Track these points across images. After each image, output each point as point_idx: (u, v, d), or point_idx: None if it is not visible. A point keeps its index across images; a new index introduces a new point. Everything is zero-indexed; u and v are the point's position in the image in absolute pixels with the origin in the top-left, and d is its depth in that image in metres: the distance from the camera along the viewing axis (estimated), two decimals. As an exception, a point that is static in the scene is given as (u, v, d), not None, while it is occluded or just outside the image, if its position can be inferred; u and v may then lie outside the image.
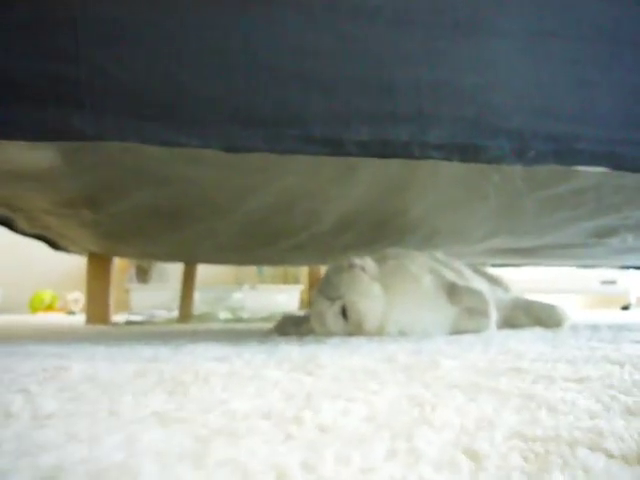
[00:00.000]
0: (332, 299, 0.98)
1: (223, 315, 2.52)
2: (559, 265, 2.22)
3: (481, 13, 0.68)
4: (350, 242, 1.36)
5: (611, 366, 0.50)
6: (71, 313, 3.44)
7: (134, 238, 1.42)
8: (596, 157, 0.71)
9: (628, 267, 2.30)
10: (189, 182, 0.95)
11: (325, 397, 0.36)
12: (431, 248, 1.37)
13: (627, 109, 0.72)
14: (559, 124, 0.70)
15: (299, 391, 0.38)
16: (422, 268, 1.08)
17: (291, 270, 3.90)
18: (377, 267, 1.03)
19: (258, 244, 1.46)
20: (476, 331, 1.03)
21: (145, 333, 1.19)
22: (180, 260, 2.14)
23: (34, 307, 3.64)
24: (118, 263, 3.57)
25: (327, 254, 1.55)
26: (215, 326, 1.61)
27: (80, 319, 2.02)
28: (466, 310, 1.05)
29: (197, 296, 3.08)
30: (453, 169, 0.88)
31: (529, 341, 0.81)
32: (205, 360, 0.60)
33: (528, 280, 3.00)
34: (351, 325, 0.97)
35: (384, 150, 0.66)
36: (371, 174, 0.92)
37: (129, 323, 1.94)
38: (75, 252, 1.76)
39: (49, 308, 3.70)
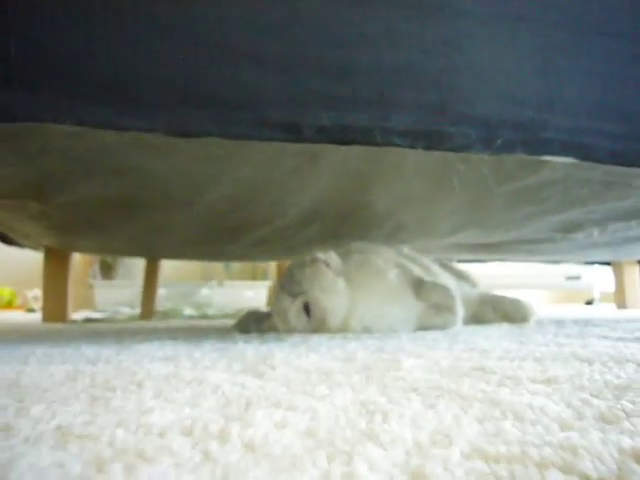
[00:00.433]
0: (295, 295, 0.94)
1: (188, 312, 2.47)
2: (525, 260, 2.22)
3: (447, -7, 0.64)
4: (314, 236, 1.32)
5: (580, 364, 0.47)
6: (31, 310, 3.34)
7: (87, 231, 1.35)
8: (565, 147, 0.68)
9: (593, 262, 2.31)
10: (142, 172, 0.90)
11: (264, 405, 0.32)
12: (397, 242, 1.35)
13: (596, 98, 0.70)
14: (527, 112, 0.67)
15: (238, 397, 0.34)
16: (388, 263, 1.05)
17: (260, 266, 3.87)
18: (342, 262, 1.00)
19: (220, 239, 1.42)
20: (442, 327, 1.00)
21: (99, 331, 1.14)
22: (140, 255, 2.07)
23: (-7, 304, 3.53)
24: (81, 259, 3.51)
25: (292, 249, 1.51)
26: (177, 323, 1.56)
27: (39, 317, 1.95)
28: (432, 306, 1.02)
29: (163, 292, 3.03)
30: (419, 160, 0.85)
31: (495, 338, 0.78)
32: (150, 361, 0.56)
33: (493, 275, 3.02)
34: (314, 322, 0.94)
35: (344, 136, 0.62)
36: (334, 165, 0.88)
37: (88, 321, 1.88)
38: (29, 247, 1.68)
39: (8, 305, 3.60)
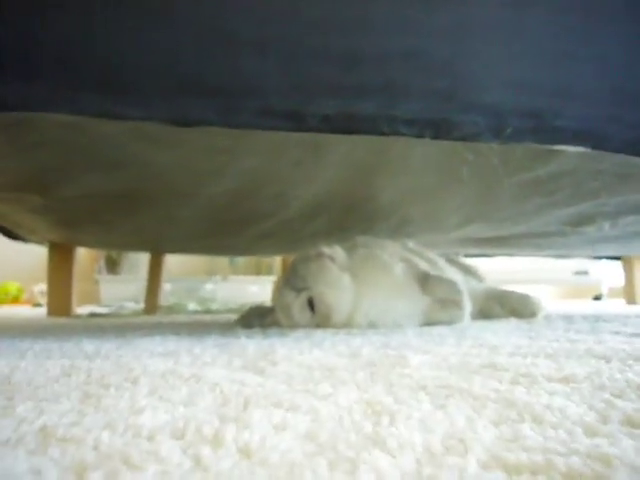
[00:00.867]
0: (299, 290, 0.93)
1: (192, 306, 2.46)
2: (533, 255, 2.19)
3: (455, -23, 0.62)
4: (319, 229, 1.30)
5: (596, 362, 0.45)
6: (37, 305, 3.33)
7: (90, 226, 1.34)
8: (577, 136, 0.66)
9: (601, 257, 2.29)
10: (144, 164, 0.88)
11: (263, 404, 0.30)
12: (403, 237, 1.33)
13: (610, 85, 0.67)
14: (538, 99, 0.65)
15: (236, 396, 0.32)
16: (394, 257, 1.03)
17: (264, 261, 3.86)
18: (347, 256, 0.98)
19: (223, 232, 1.40)
20: (449, 322, 0.99)
21: (102, 326, 1.12)
22: (144, 250, 2.06)
23: (-1, 299, 3.53)
24: (86, 254, 3.51)
25: (296, 242, 1.49)
26: (180, 318, 1.55)
27: (45, 312, 1.94)
28: (439, 301, 1.00)
29: (167, 287, 3.02)
30: (426, 151, 0.83)
31: (504, 333, 0.76)
32: (149, 356, 0.54)
33: (500, 270, 2.99)
34: (318, 317, 0.92)
35: (350, 125, 0.60)
36: (339, 156, 0.86)
37: (93, 315, 1.87)
38: (34, 242, 1.67)
39: (15, 300, 3.59)
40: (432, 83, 0.62)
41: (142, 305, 2.22)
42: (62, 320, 1.50)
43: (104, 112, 0.55)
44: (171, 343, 0.68)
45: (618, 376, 0.38)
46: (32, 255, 3.01)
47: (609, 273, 3.28)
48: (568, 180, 0.94)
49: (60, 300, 1.74)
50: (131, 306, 2.67)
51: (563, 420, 0.26)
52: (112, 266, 3.63)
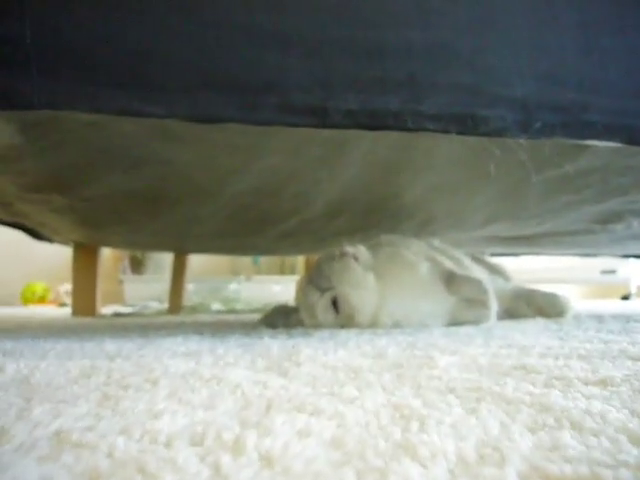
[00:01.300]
0: (323, 290, 0.92)
1: (216, 306, 2.46)
2: (560, 254, 2.15)
3: (481, -32, 0.61)
4: (342, 228, 1.29)
5: (632, 363, 0.43)
6: (63, 305, 3.37)
7: (114, 226, 1.34)
8: (608, 130, 0.64)
9: (629, 256, 2.24)
10: (166, 163, 0.88)
11: (286, 408, 0.29)
12: (428, 235, 1.31)
13: (642, 77, 0.65)
14: (567, 93, 0.63)
15: (258, 399, 0.31)
16: (418, 256, 1.02)
17: (288, 260, 3.86)
18: (371, 255, 0.97)
19: (246, 231, 1.39)
20: (475, 322, 0.97)
21: (126, 326, 1.12)
22: (168, 250, 2.07)
23: (26, 299, 3.58)
24: (111, 254, 3.54)
25: (319, 242, 1.48)
26: (203, 318, 1.55)
27: (70, 312, 1.95)
28: (465, 300, 0.98)
29: (191, 287, 3.03)
30: (451, 147, 0.81)
31: (533, 333, 0.74)
32: (171, 356, 0.53)
33: (525, 270, 2.95)
34: (342, 318, 0.91)
35: (373, 121, 0.59)
36: (362, 153, 0.85)
37: (117, 315, 1.88)
38: (59, 242, 1.69)
39: (41, 300, 3.63)
40: (457, 77, 0.60)
41: (166, 305, 2.23)
42: (86, 320, 1.51)
43: (126, 109, 0.54)
44: (193, 343, 0.67)
45: (658, 379, 0.36)
46: (58, 255, 3.05)
47: (638, 272, 3.21)
48: (597, 176, 0.92)
49: (85, 300, 1.75)
50: (155, 306, 2.69)
51: (605, 427, 0.25)
52: (136, 266, 3.66)
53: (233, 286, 3.38)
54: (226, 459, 0.20)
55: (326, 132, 0.72)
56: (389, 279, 0.94)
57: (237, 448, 0.22)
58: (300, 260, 3.70)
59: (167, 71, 0.55)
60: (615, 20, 0.65)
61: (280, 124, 0.58)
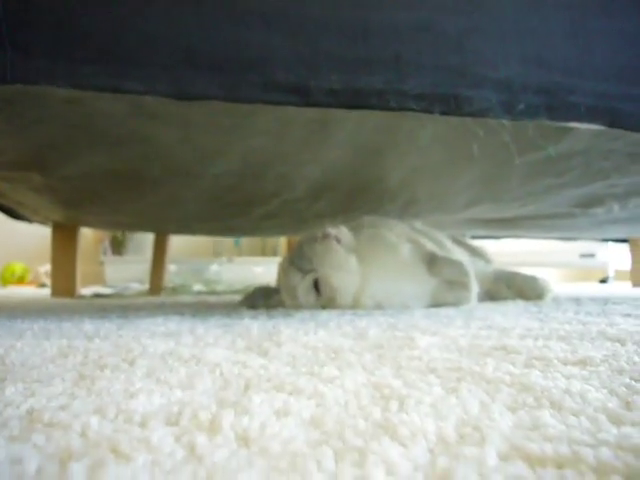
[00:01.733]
0: (304, 272, 0.91)
1: (197, 288, 2.45)
2: (541, 237, 2.17)
3: (467, -54, 0.60)
4: (325, 210, 1.28)
5: (611, 344, 0.44)
6: (43, 285, 3.34)
7: (93, 205, 1.32)
8: (592, 112, 0.64)
9: (608, 240, 2.26)
10: (147, 143, 0.86)
11: (265, 388, 0.29)
12: (410, 217, 1.31)
13: (628, 60, 0.65)
14: (551, 75, 0.63)
15: (237, 379, 0.31)
16: (400, 237, 1.01)
17: (269, 242, 3.85)
18: (353, 236, 0.97)
19: (229, 213, 1.38)
20: (456, 304, 0.97)
21: (105, 307, 1.11)
22: (149, 230, 2.05)
23: (5, 280, 3.54)
24: (91, 235, 3.50)
25: (302, 223, 1.47)
26: (184, 299, 1.54)
27: (49, 292, 1.94)
28: (446, 282, 0.99)
29: (173, 268, 3.02)
30: (435, 129, 0.81)
31: (513, 315, 0.74)
32: (149, 337, 0.53)
33: (506, 253, 2.97)
34: (324, 299, 0.91)
35: (357, 99, 0.58)
36: (346, 135, 0.84)
37: (96, 296, 1.86)
38: (38, 222, 1.66)
39: (20, 281, 3.60)
40: (442, 57, 0.60)
41: (147, 286, 2.21)
42: (65, 301, 1.50)
43: (104, 85, 0.53)
44: (173, 324, 0.67)
45: (636, 359, 0.36)
46: (38, 235, 3.01)
47: (616, 256, 3.25)
48: (579, 160, 0.92)
49: (64, 281, 1.73)
50: (136, 287, 2.67)
51: (585, 406, 0.25)
52: (117, 247, 3.63)
53: (214, 267, 3.37)
54: (201, 439, 0.20)
55: (310, 113, 0.71)
56: (371, 261, 0.94)
57: (213, 428, 0.22)
58: (282, 241, 3.70)
59: (147, 47, 0.54)
60: (601, 3, 0.65)
61: (263, 102, 0.57)
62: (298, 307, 0.91)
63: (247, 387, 0.29)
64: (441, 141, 0.87)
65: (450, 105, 0.60)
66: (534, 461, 0.18)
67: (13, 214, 1.50)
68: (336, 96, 0.58)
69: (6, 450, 0.19)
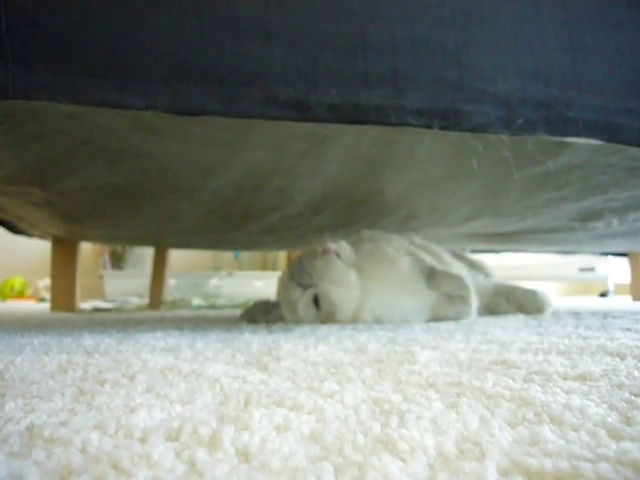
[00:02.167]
0: (304, 287, 0.92)
1: (196, 302, 2.45)
2: (540, 251, 2.17)
3: (465, -37, 0.60)
4: (324, 224, 1.28)
5: (611, 359, 0.44)
6: (42, 300, 3.33)
7: (93, 220, 1.32)
8: (590, 127, 0.64)
9: (608, 253, 2.26)
10: (146, 157, 0.86)
11: (265, 403, 0.29)
12: (410, 231, 1.31)
13: (626, 75, 0.66)
14: (550, 89, 0.63)
15: (237, 394, 0.31)
16: (399, 251, 1.02)
17: (269, 256, 3.85)
18: (353, 251, 0.97)
19: (227, 226, 1.38)
20: (456, 318, 0.97)
21: (105, 321, 1.11)
22: (148, 244, 2.05)
23: (4, 294, 3.53)
24: (91, 249, 3.50)
25: (301, 237, 1.47)
26: (184, 313, 1.54)
27: (48, 307, 1.93)
28: (445, 296, 0.99)
29: (172, 282, 3.02)
30: (434, 143, 0.81)
31: (513, 329, 0.74)
32: (149, 351, 0.53)
33: (506, 267, 2.98)
34: (323, 314, 0.91)
35: (356, 115, 0.58)
36: (344, 149, 0.84)
37: (96, 310, 1.86)
38: (37, 236, 1.66)
39: (20, 295, 3.59)
40: (441, 72, 0.60)
41: (146, 300, 2.21)
42: (65, 315, 1.49)
43: (105, 100, 0.53)
44: (173, 338, 0.66)
45: (636, 374, 0.36)
46: (37, 250, 3.02)
47: (615, 270, 3.25)
48: (578, 174, 0.92)
49: (64, 295, 1.73)
50: (135, 301, 2.67)
51: (584, 421, 0.24)
52: (117, 261, 3.63)
53: (214, 281, 3.37)
54: (202, 454, 0.20)
55: (308, 127, 0.71)
56: (370, 275, 0.94)
57: (214, 443, 0.22)
58: (282, 256, 3.70)
59: (147, 62, 0.54)
60: (598, 17, 0.66)
61: (262, 117, 0.58)
62: (298, 322, 0.91)
63: (247, 402, 0.29)
64: (440, 155, 0.87)
65: (449, 120, 0.60)
66: (534, 476, 0.18)
67: (12, 228, 1.50)
68: (335, 111, 0.58)
69: (6, 466, 0.18)
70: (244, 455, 0.20)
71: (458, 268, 1.13)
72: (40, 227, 1.49)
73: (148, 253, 2.91)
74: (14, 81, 0.51)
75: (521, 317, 1.04)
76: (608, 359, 0.44)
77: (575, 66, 0.64)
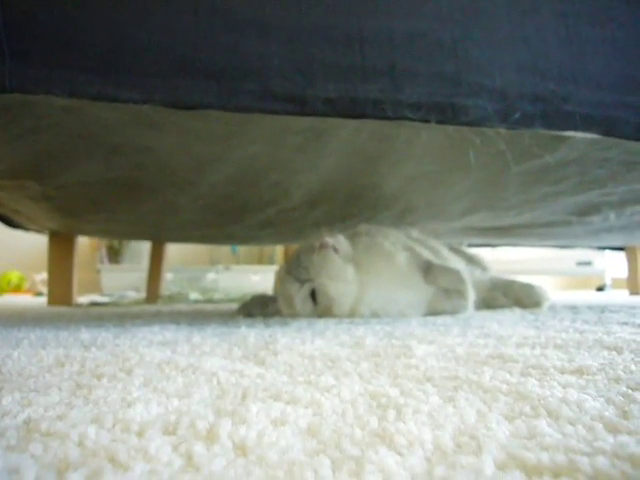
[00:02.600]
0: (302, 281, 0.92)
1: (194, 296, 2.45)
2: (537, 245, 2.17)
3: (463, -44, 0.60)
4: (321, 219, 1.28)
5: (608, 353, 0.44)
6: (39, 294, 3.33)
7: (90, 214, 1.32)
8: (587, 121, 0.64)
9: (605, 248, 2.27)
10: (143, 151, 0.86)
11: (262, 397, 0.29)
12: (407, 225, 1.31)
13: (623, 69, 0.65)
14: (546, 83, 0.63)
15: (234, 388, 0.31)
16: (396, 245, 1.02)
17: (266, 250, 3.85)
18: (350, 245, 0.97)
19: (224, 220, 1.38)
20: (453, 312, 0.97)
21: (102, 315, 1.11)
22: (145, 238, 2.05)
23: (1, 288, 3.53)
24: (88, 243, 3.50)
25: (298, 231, 1.47)
26: (181, 307, 1.54)
27: (46, 301, 1.93)
28: (443, 290, 0.99)
29: (170, 277, 3.01)
30: (431, 137, 0.81)
31: (510, 323, 0.74)
32: (146, 345, 0.53)
33: (503, 261, 2.98)
34: (321, 309, 0.91)
35: (353, 108, 0.58)
36: (341, 143, 0.84)
37: (93, 304, 1.86)
38: (34, 230, 1.66)
39: (17, 289, 3.59)
40: (438, 66, 0.60)
41: (143, 294, 2.21)
42: (62, 309, 1.49)
43: (101, 95, 0.53)
44: (170, 332, 0.66)
45: (633, 368, 0.36)
46: (34, 244, 3.01)
47: (612, 264, 3.26)
48: (575, 168, 0.92)
49: (61, 289, 1.73)
50: (132, 295, 2.67)
51: (581, 415, 0.25)
52: (114, 255, 3.63)
53: (211, 275, 3.37)
54: (199, 448, 0.20)
55: (305, 121, 0.71)
56: (367, 269, 0.94)
57: (210, 437, 0.22)
58: (279, 250, 3.70)
59: (144, 56, 0.54)
60: (596, 11, 0.66)
61: (259, 111, 0.58)
62: (295, 316, 0.92)
63: (244, 396, 0.29)
64: (437, 149, 0.87)
65: (446, 114, 0.60)
66: (531, 470, 0.18)
67: (10, 222, 1.50)
68: (332, 105, 0.58)
69: (3, 460, 0.18)
70: (241, 449, 0.20)
71: (455, 262, 1.14)
72: (37, 221, 1.49)
73: (145, 247, 2.91)
74: (11, 75, 0.51)
75: (518, 311, 1.04)
76: (605, 353, 0.44)
77: (572, 60, 0.64)
